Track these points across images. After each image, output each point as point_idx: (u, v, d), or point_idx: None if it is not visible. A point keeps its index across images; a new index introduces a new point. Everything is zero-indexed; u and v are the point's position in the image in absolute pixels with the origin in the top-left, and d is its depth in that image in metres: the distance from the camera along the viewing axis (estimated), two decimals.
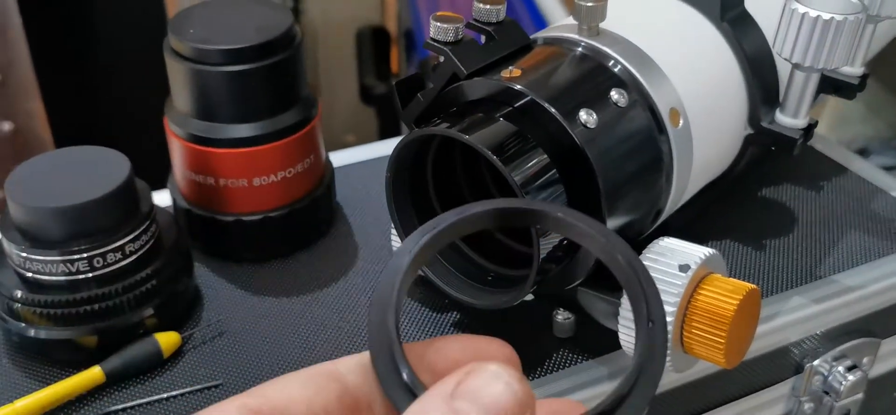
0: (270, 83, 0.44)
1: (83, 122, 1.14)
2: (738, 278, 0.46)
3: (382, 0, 1.69)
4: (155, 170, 0.49)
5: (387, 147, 0.58)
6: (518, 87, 0.37)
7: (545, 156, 0.36)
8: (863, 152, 1.01)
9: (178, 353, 0.42)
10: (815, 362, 0.46)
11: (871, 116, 0.99)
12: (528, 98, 0.36)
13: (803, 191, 0.54)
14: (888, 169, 0.95)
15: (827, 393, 0.47)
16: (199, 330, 0.43)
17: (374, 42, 1.66)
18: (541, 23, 1.09)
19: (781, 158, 0.55)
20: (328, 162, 0.51)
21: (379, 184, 0.55)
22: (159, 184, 0.50)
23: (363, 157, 0.58)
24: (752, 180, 0.54)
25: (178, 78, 0.44)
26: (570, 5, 0.40)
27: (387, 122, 1.64)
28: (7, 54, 1.04)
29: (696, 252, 0.37)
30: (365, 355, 0.25)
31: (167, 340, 0.41)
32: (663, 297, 0.36)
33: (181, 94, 0.45)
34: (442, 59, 0.38)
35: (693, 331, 0.36)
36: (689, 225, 0.47)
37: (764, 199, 0.53)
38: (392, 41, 1.69)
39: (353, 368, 0.25)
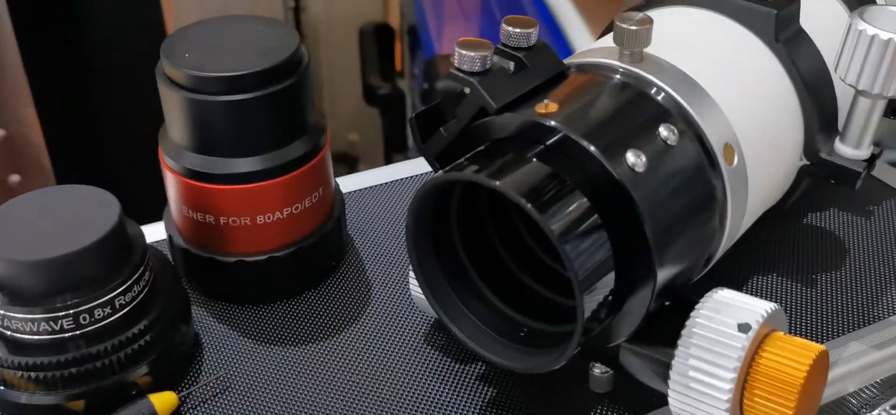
0: (275, 113, 0.40)
1: (77, 129, 1.10)
2: (791, 321, 0.43)
3: None
4: (153, 185, 0.44)
5: (399, 171, 0.54)
6: (554, 123, 0.32)
7: (585, 200, 0.32)
8: (877, 146, 0.97)
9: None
10: (874, 413, 0.42)
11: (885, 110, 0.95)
12: (567, 136, 0.32)
13: (852, 217, 0.50)
14: None
15: None
16: (198, 388, 0.39)
17: (377, 39, 1.62)
18: (552, 25, 1.04)
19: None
20: (338, 192, 0.47)
21: (392, 211, 0.51)
22: (156, 201, 0.45)
23: (374, 181, 0.54)
24: (796, 206, 0.50)
25: (173, 107, 0.40)
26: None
27: (391, 121, 1.60)
28: None
29: (757, 308, 0.33)
30: None
31: (163, 401, 0.37)
32: (721, 360, 0.32)
33: (176, 125, 0.41)
34: (467, 90, 0.34)
35: (755, 398, 0.32)
36: (732, 261, 0.43)
37: (810, 227, 0.49)
38: (395, 38, 1.65)
39: None
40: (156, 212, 0.46)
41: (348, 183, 0.53)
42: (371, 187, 0.53)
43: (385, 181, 0.54)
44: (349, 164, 1.67)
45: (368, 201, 0.52)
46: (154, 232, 0.48)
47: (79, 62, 1.06)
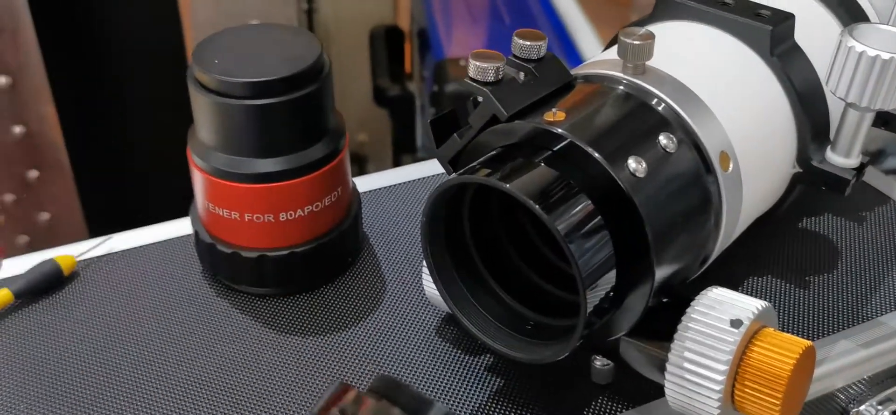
0: (297, 117, 0.43)
1: (96, 125, 1.13)
2: (784, 320, 0.45)
3: None
4: (174, 174, 0.47)
5: (413, 171, 0.57)
6: (561, 130, 0.35)
7: (589, 203, 0.34)
8: (880, 154, 0.99)
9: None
10: (861, 408, 0.45)
11: None
12: (573, 143, 0.35)
13: (845, 222, 0.52)
14: None
15: None
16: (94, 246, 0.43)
17: (387, 41, 1.65)
18: (560, 28, 1.07)
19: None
20: (355, 191, 0.49)
21: (406, 211, 0.54)
22: (175, 197, 0.48)
23: (389, 181, 0.56)
24: (792, 211, 0.52)
25: (202, 110, 0.43)
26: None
27: (399, 122, 1.63)
28: (19, 58, 1.03)
29: (748, 305, 0.35)
30: None
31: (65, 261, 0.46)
32: (714, 353, 0.34)
33: (205, 126, 0.43)
34: (480, 98, 0.37)
35: (746, 389, 0.34)
36: (728, 262, 0.45)
37: (804, 230, 0.51)
38: (405, 40, 1.67)
39: None
40: (176, 208, 0.49)
41: (364, 183, 0.55)
42: (386, 187, 0.55)
43: (399, 182, 0.56)
44: (358, 163, 1.69)
45: (384, 201, 0.54)
46: (179, 228, 0.50)
47: (98, 60, 1.09)
